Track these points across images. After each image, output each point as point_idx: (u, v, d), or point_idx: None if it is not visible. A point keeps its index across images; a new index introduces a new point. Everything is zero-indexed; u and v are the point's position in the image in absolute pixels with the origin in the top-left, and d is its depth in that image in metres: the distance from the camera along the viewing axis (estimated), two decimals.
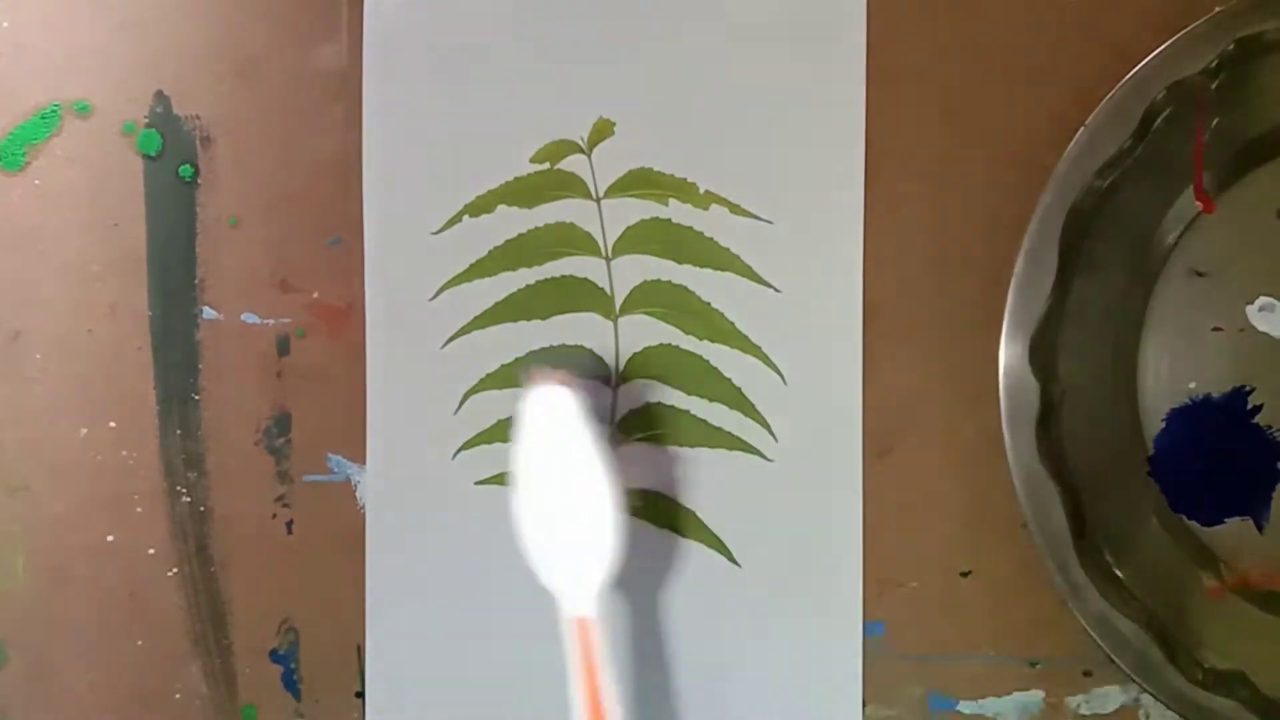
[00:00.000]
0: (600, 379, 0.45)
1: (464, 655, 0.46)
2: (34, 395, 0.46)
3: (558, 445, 0.29)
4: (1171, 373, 0.45)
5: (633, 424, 0.46)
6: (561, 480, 0.30)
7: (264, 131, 0.46)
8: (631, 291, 0.46)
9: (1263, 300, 0.44)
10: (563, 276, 0.46)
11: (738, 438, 0.46)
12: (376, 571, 0.46)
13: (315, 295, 0.46)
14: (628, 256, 0.46)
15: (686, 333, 0.46)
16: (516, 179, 0.46)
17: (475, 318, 0.46)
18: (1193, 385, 0.45)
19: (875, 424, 0.46)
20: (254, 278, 0.46)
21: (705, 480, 0.46)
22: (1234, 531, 0.45)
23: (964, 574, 0.46)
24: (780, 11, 0.46)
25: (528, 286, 0.46)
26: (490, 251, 0.46)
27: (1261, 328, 0.44)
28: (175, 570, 0.47)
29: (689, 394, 0.46)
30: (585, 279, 0.46)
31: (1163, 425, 0.45)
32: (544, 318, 0.46)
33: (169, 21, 0.46)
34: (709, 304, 0.46)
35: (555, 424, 0.30)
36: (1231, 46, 0.42)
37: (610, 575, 0.32)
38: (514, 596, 0.46)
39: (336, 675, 0.47)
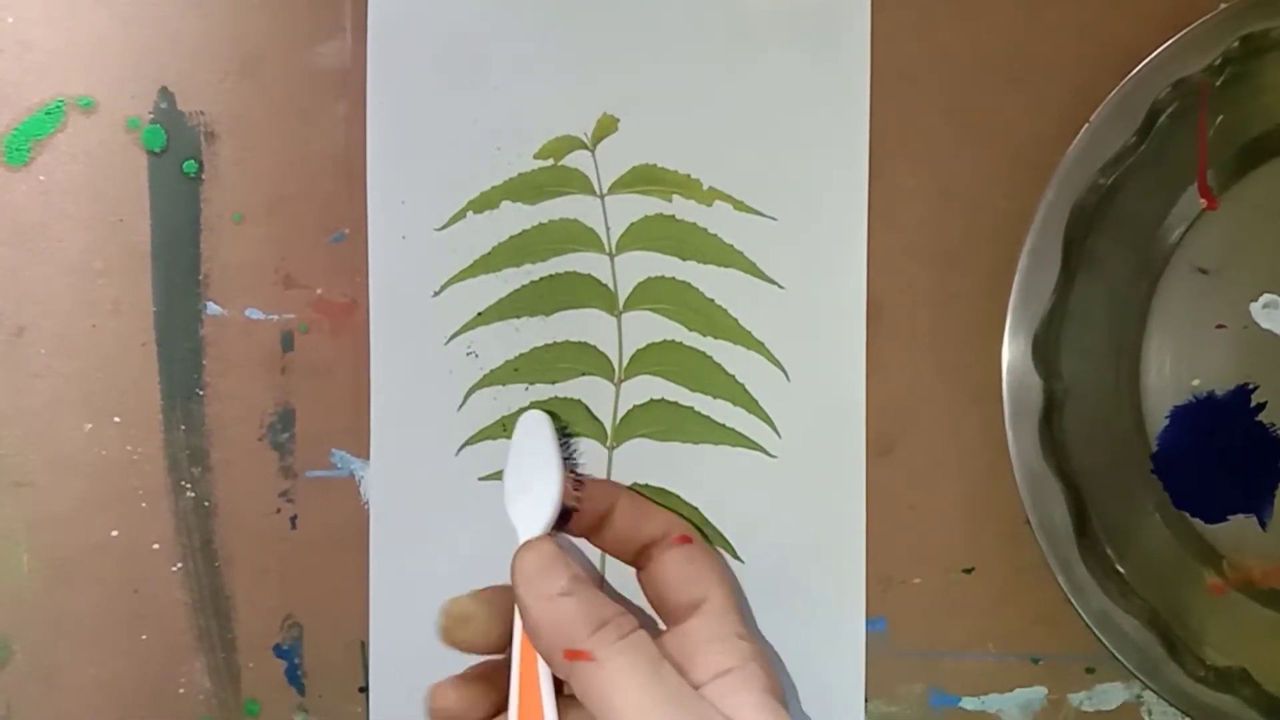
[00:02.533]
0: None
1: None
2: (37, 391, 0.46)
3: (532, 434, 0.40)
4: (1175, 370, 0.45)
5: (635, 421, 0.46)
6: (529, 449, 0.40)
7: (268, 128, 0.46)
8: (635, 288, 0.46)
9: (1266, 298, 0.44)
10: (566, 273, 0.46)
11: (741, 434, 0.46)
12: (380, 567, 0.46)
13: (319, 291, 0.46)
14: (631, 253, 0.46)
15: (690, 329, 0.46)
16: (520, 175, 0.46)
17: (479, 314, 0.46)
18: (1196, 383, 0.45)
19: (878, 421, 0.46)
20: (258, 274, 0.46)
21: (708, 477, 0.46)
22: (1237, 529, 0.45)
23: (966, 571, 0.46)
24: (785, 8, 0.46)
25: (531, 283, 0.46)
26: (494, 248, 0.46)
27: (1265, 325, 0.44)
28: (179, 565, 0.47)
29: (692, 391, 0.46)
30: (589, 275, 0.46)
31: (1166, 423, 0.45)
32: (547, 314, 0.46)
33: (173, 18, 0.46)
34: (712, 300, 0.46)
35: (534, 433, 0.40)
36: (1235, 44, 0.43)
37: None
38: None
39: (340, 670, 0.47)
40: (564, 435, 0.40)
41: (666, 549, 0.41)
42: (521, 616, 0.37)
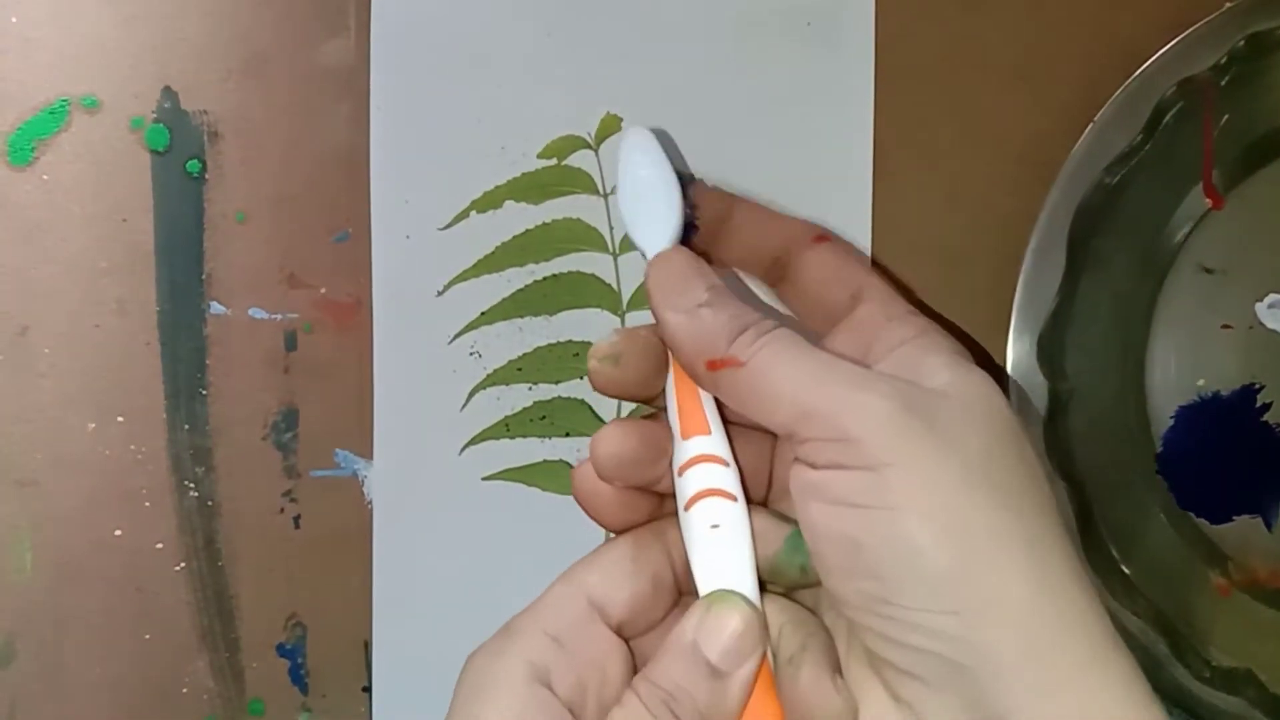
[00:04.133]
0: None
1: (470, 649, 0.46)
2: (42, 390, 0.46)
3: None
4: (1180, 370, 0.45)
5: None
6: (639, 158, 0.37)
7: (272, 127, 0.46)
8: (639, 288, 0.46)
9: (1272, 298, 0.44)
10: (570, 272, 0.46)
11: None
12: (383, 566, 0.46)
13: (323, 291, 0.46)
14: (635, 252, 0.46)
15: None
16: (524, 175, 0.46)
17: (482, 313, 0.46)
18: (1201, 383, 0.45)
19: None
20: (261, 273, 0.46)
21: None
22: (1242, 529, 0.45)
23: None
24: (789, 8, 0.45)
25: (535, 282, 0.46)
26: (497, 247, 0.46)
27: (1271, 325, 0.44)
28: (183, 565, 0.47)
29: None
30: (593, 275, 0.46)
31: (1171, 422, 0.45)
32: (551, 314, 0.46)
33: (177, 17, 0.46)
34: None
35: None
36: (1241, 43, 0.42)
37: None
38: (521, 591, 0.46)
39: (344, 670, 0.47)
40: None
41: (805, 250, 0.37)
42: (661, 332, 0.34)
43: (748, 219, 0.37)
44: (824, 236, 0.37)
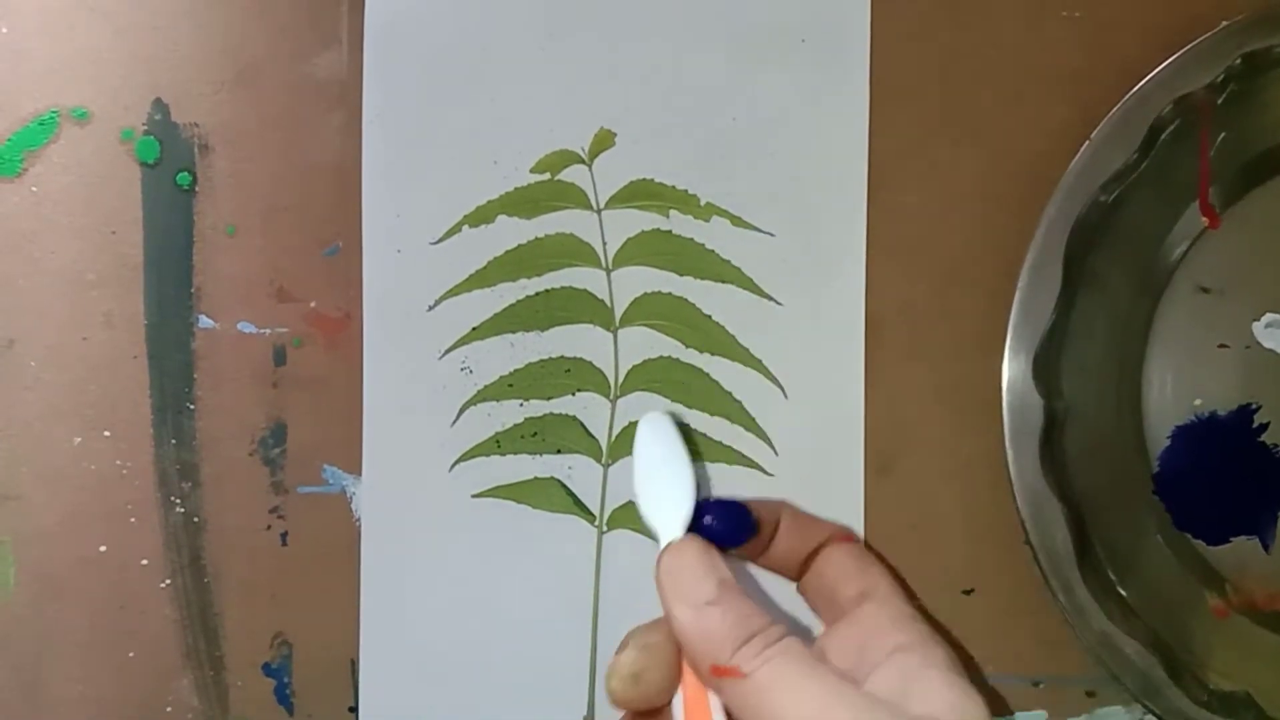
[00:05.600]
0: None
1: (459, 670, 0.46)
2: (28, 403, 0.46)
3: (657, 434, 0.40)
4: (1176, 390, 0.44)
5: (631, 438, 0.45)
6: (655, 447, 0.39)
7: (263, 140, 0.46)
8: (631, 303, 0.46)
9: (1269, 317, 0.44)
10: (562, 288, 0.46)
11: (738, 452, 0.45)
12: (371, 585, 0.46)
13: (313, 305, 0.46)
14: (628, 268, 0.46)
15: (687, 345, 0.45)
16: (517, 189, 0.46)
17: (474, 329, 0.46)
18: (1198, 402, 0.44)
19: (877, 439, 0.45)
20: (251, 287, 0.46)
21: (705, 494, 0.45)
22: (1240, 551, 0.44)
23: (966, 592, 0.45)
24: (783, 24, 0.45)
25: (527, 297, 0.46)
26: (490, 262, 0.46)
27: (1268, 345, 0.44)
28: (168, 582, 0.46)
29: (689, 407, 0.45)
30: (585, 290, 0.46)
31: (1167, 443, 0.44)
32: (543, 329, 0.46)
33: (168, 29, 0.46)
34: (710, 316, 0.45)
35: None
36: (1238, 61, 0.42)
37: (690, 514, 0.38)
38: (510, 610, 0.46)
39: (330, 690, 0.46)
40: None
41: (830, 548, 0.40)
42: (669, 624, 0.35)
43: (791, 527, 0.40)
44: (849, 537, 0.40)
